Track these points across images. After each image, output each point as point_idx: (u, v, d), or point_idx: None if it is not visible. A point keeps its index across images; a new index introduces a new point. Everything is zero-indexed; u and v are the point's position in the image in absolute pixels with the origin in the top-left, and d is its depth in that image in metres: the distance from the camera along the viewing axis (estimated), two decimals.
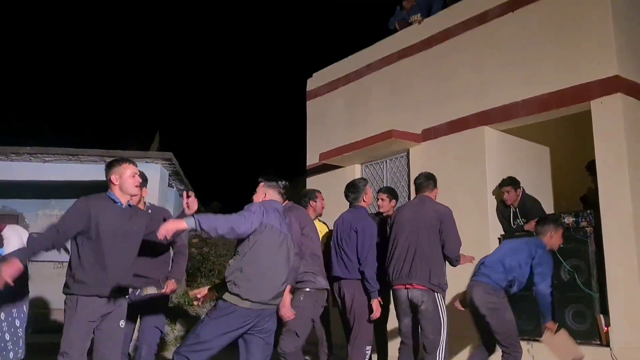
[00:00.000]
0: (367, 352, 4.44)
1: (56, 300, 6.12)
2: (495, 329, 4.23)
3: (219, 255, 10.66)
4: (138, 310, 4.11)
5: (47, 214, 9.23)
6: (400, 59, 7.07)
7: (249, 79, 25.99)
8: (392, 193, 5.12)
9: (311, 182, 7.76)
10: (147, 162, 7.99)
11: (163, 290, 4.13)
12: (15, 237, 4.68)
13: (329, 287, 4.50)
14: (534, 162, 6.41)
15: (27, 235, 4.73)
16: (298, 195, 5.09)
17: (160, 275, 4.19)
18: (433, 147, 6.42)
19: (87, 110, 22.75)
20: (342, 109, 7.84)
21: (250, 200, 3.69)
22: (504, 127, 5.99)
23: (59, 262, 8.21)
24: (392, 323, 4.78)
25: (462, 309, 4.48)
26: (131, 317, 3.96)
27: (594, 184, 5.35)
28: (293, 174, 9.19)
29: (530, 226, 5.48)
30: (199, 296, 3.87)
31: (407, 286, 4.26)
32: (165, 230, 3.13)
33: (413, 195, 4.90)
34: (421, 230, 4.30)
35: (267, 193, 3.71)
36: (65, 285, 3.41)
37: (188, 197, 3.54)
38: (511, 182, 5.70)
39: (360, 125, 7.33)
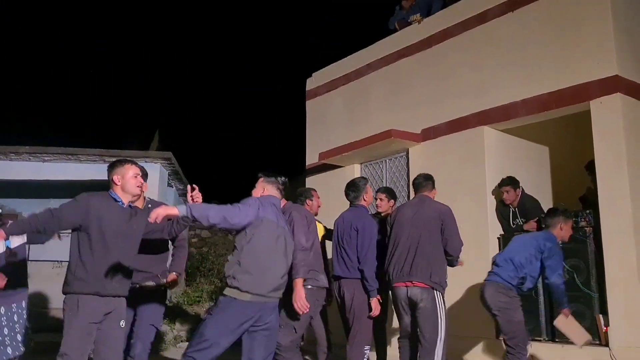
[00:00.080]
0: (366, 351, 4.44)
1: (55, 300, 6.12)
2: (503, 328, 4.27)
3: (218, 255, 10.63)
4: (134, 306, 4.04)
5: None
6: (400, 58, 7.07)
7: (249, 78, 25.95)
8: (390, 193, 5.12)
9: (311, 182, 7.76)
10: (146, 161, 8.01)
11: (163, 281, 4.12)
12: (18, 237, 4.70)
13: (328, 286, 4.51)
14: (534, 162, 6.41)
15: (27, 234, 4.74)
16: (296, 195, 5.09)
17: (159, 271, 4.19)
18: (432, 147, 6.42)
19: (86, 109, 22.79)
20: (341, 109, 7.84)
21: (249, 196, 3.70)
22: (504, 127, 5.99)
23: (58, 262, 8.22)
24: (392, 323, 4.78)
25: None
26: (127, 313, 3.91)
27: (594, 184, 5.35)
28: (293, 174, 9.17)
29: (529, 226, 5.49)
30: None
31: (407, 284, 4.25)
32: (156, 214, 3.12)
33: (412, 195, 4.89)
34: (422, 229, 4.30)
35: (265, 188, 3.73)
36: (65, 284, 3.40)
37: (192, 190, 3.55)
38: (510, 181, 5.70)
39: (359, 124, 7.33)
